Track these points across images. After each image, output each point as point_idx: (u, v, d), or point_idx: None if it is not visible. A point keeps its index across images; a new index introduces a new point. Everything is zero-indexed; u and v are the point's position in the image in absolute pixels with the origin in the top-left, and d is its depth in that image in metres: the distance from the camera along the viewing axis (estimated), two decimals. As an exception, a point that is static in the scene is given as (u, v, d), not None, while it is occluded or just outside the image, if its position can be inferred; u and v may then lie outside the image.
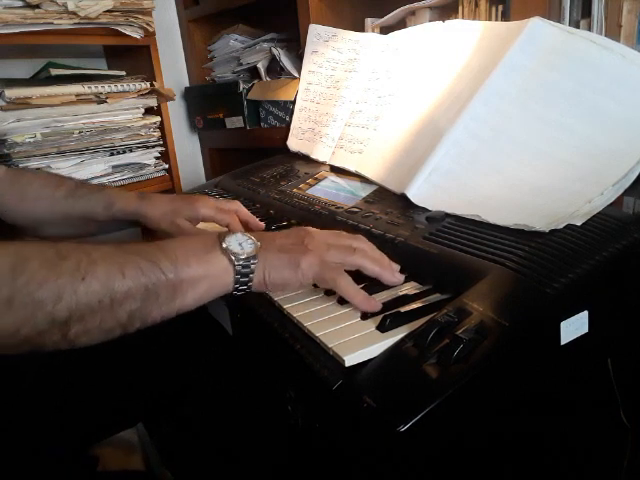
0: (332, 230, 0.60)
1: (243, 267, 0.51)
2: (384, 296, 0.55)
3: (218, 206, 0.78)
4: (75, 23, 1.15)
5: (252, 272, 0.51)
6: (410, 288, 0.57)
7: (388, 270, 0.56)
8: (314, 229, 0.58)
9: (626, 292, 0.52)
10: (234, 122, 1.39)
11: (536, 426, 0.53)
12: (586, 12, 0.79)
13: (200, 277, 0.49)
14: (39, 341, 0.43)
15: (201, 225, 0.80)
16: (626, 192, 0.58)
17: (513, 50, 0.72)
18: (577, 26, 0.79)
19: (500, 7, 0.89)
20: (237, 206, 0.80)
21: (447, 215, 0.65)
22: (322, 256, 0.53)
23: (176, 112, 1.59)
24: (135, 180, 1.37)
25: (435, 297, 0.54)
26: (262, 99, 1.30)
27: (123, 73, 1.34)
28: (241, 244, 0.52)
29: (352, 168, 0.94)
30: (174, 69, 1.59)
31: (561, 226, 0.54)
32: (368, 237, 0.68)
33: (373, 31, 1.14)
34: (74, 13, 1.13)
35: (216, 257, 0.50)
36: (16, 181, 0.78)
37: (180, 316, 0.91)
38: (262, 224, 0.82)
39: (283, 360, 0.55)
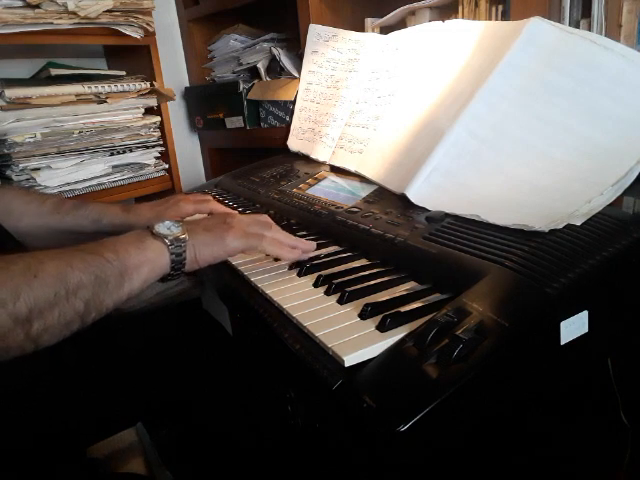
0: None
1: (175, 247, 0.57)
2: (384, 296, 0.55)
3: (196, 199, 0.85)
4: (75, 23, 1.15)
5: (184, 251, 0.57)
6: (410, 288, 0.57)
7: (301, 242, 0.67)
8: (235, 213, 0.68)
9: (626, 292, 0.52)
10: (234, 122, 1.39)
11: (536, 425, 0.53)
12: (586, 12, 0.79)
13: (141, 262, 0.55)
14: (4, 344, 0.45)
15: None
16: (626, 192, 0.58)
17: (513, 50, 0.72)
18: (577, 26, 0.79)
19: (500, 7, 0.89)
20: (210, 197, 0.87)
21: (447, 215, 0.65)
22: (244, 229, 0.62)
23: (176, 112, 1.59)
24: (135, 180, 1.37)
25: (435, 297, 0.54)
26: (262, 99, 1.30)
27: (123, 73, 1.34)
28: (169, 228, 0.58)
29: (352, 168, 0.94)
30: (174, 69, 1.59)
31: (561, 226, 0.54)
32: (368, 237, 0.68)
33: (373, 31, 1.14)
34: (74, 13, 1.13)
35: (151, 243, 0.56)
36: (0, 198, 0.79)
37: (180, 316, 0.91)
38: (237, 213, 0.86)
39: (283, 360, 0.55)
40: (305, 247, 0.67)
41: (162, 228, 0.58)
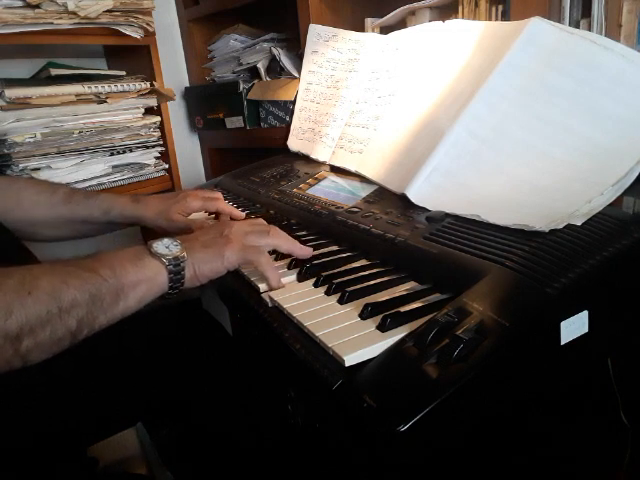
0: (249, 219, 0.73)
1: (174, 266, 0.56)
2: (384, 296, 0.55)
3: (204, 196, 0.86)
4: (75, 23, 1.15)
5: (183, 269, 0.57)
6: (410, 288, 0.57)
7: (297, 246, 0.67)
8: (232, 221, 0.70)
9: (626, 292, 0.52)
10: (234, 122, 1.39)
11: (536, 426, 0.53)
12: (586, 12, 0.79)
13: (139, 280, 0.54)
14: None
15: (192, 216, 0.87)
16: (626, 192, 0.58)
17: (513, 50, 0.72)
18: (577, 26, 0.79)
19: (500, 7, 0.89)
20: (220, 195, 0.88)
21: (447, 215, 0.65)
22: (242, 242, 0.62)
23: (176, 112, 1.58)
24: (135, 180, 1.37)
25: (435, 297, 0.54)
26: (262, 99, 1.30)
27: (123, 73, 1.34)
28: (168, 247, 0.57)
29: (352, 168, 0.94)
30: (174, 69, 1.59)
31: (561, 226, 0.54)
32: (368, 237, 0.68)
33: (373, 31, 1.14)
34: (74, 13, 1.13)
35: (149, 261, 0.55)
36: (7, 188, 0.80)
37: (180, 316, 0.91)
38: (242, 214, 0.88)
39: (283, 360, 0.55)
40: (302, 253, 0.67)
41: (160, 247, 0.57)
